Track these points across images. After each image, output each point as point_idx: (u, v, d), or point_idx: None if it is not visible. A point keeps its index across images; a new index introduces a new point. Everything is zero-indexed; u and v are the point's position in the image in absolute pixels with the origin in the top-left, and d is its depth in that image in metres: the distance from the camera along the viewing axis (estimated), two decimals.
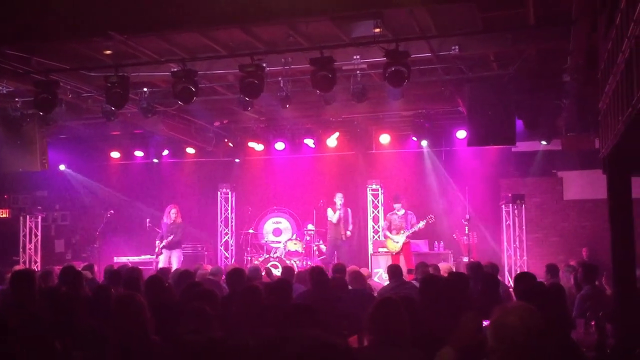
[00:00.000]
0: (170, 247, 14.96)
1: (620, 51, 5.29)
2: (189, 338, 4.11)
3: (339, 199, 15.57)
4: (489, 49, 10.97)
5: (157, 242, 15.10)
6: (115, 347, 4.77)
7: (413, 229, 14.82)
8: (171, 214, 15.11)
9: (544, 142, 14.70)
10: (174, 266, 14.09)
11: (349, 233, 15.58)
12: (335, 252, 15.39)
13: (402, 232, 14.89)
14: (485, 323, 4.48)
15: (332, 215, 15.56)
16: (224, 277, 10.52)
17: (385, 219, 15.76)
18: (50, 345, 4.64)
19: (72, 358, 4.84)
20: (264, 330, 4.94)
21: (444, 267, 10.96)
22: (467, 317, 4.32)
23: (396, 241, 14.88)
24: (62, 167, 18.61)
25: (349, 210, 15.87)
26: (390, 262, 12.97)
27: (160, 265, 14.63)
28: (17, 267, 11.37)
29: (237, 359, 4.11)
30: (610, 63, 6.23)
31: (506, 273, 14.90)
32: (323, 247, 16.19)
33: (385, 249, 15.33)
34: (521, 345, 3.13)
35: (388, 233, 15.12)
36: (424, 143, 16.19)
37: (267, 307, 5.23)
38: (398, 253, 14.79)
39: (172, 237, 14.92)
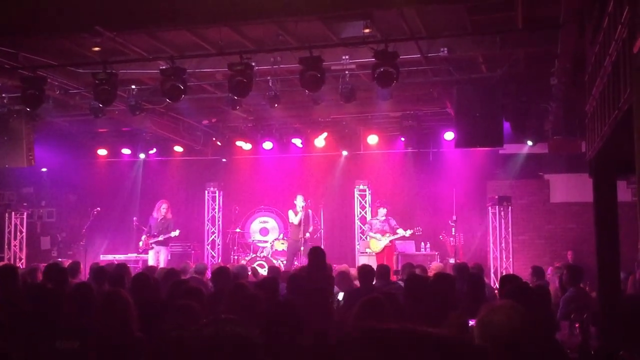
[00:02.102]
0: (161, 243, 14.90)
1: (607, 54, 5.33)
2: (173, 334, 4.09)
3: (300, 201, 15.51)
4: (478, 52, 11.02)
5: (144, 237, 15.02)
6: (99, 344, 4.75)
7: (398, 235, 14.94)
8: (162, 210, 15.05)
9: (530, 144, 14.77)
10: (161, 264, 14.06)
11: (307, 235, 15.48)
12: (297, 253, 15.21)
13: (387, 235, 14.99)
14: (471, 322, 4.50)
15: (294, 217, 15.50)
16: (208, 274, 10.54)
17: (367, 222, 15.86)
18: (34, 340, 4.62)
19: (57, 353, 4.82)
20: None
21: (436, 266, 10.99)
22: (453, 316, 4.34)
23: (379, 240, 15.01)
24: (43, 170, 18.44)
25: (310, 211, 15.83)
26: (377, 263, 13.00)
27: (150, 260, 14.58)
28: None
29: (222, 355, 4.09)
30: (597, 66, 6.27)
31: (492, 275, 14.96)
32: None
33: (370, 250, 15.41)
34: (507, 343, 3.15)
35: (371, 234, 15.25)
36: (410, 148, 16.26)
37: (254, 304, 5.23)
38: (380, 253, 14.90)
39: (167, 234, 14.85)
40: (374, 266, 9.81)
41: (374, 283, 9.07)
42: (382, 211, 15.34)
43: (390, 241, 15.04)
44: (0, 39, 9.81)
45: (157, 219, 15.03)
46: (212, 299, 6.55)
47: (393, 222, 15.19)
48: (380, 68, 9.64)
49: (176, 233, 14.99)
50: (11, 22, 8.91)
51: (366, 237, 16.59)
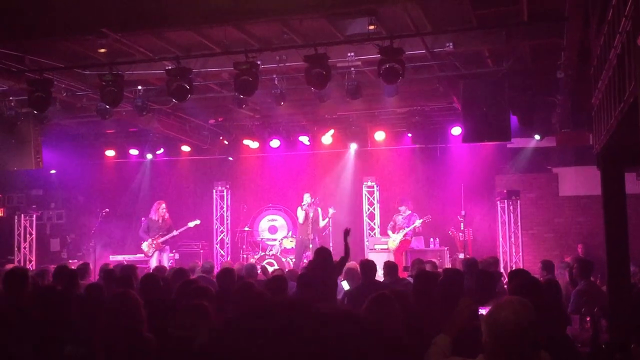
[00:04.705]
0: (167, 241, 14.92)
1: (612, 47, 5.30)
2: (180, 334, 4.10)
3: (305, 198, 15.52)
4: (483, 46, 10.97)
5: (149, 240, 14.89)
6: (108, 345, 4.76)
7: (410, 227, 14.94)
8: (160, 210, 15.00)
9: (537, 137, 14.71)
10: (165, 263, 14.09)
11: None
12: (305, 252, 15.14)
13: (401, 230, 15.02)
14: (481, 310, 4.50)
15: (300, 215, 15.55)
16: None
17: (392, 219, 15.81)
18: (43, 341, 4.63)
19: (65, 355, 4.84)
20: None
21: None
22: (462, 303, 4.30)
23: (393, 239, 15.01)
24: (52, 172, 18.49)
25: (319, 209, 15.81)
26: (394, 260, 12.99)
27: (154, 262, 14.54)
28: (8, 266, 11.37)
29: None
30: (602, 59, 6.25)
31: (502, 269, 14.91)
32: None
33: (381, 247, 15.41)
34: (514, 339, 3.14)
35: (390, 232, 15.25)
36: (417, 144, 16.20)
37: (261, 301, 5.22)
38: (397, 250, 14.88)
39: (173, 233, 14.88)
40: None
41: (382, 280, 9.06)
42: (402, 208, 15.39)
43: (405, 235, 15.02)
44: (6, 42, 9.85)
45: (157, 220, 14.97)
46: (218, 298, 6.56)
47: (415, 219, 15.16)
48: (386, 64, 9.63)
49: (197, 222, 15.14)
50: (17, 25, 8.94)
51: (374, 234, 16.66)
